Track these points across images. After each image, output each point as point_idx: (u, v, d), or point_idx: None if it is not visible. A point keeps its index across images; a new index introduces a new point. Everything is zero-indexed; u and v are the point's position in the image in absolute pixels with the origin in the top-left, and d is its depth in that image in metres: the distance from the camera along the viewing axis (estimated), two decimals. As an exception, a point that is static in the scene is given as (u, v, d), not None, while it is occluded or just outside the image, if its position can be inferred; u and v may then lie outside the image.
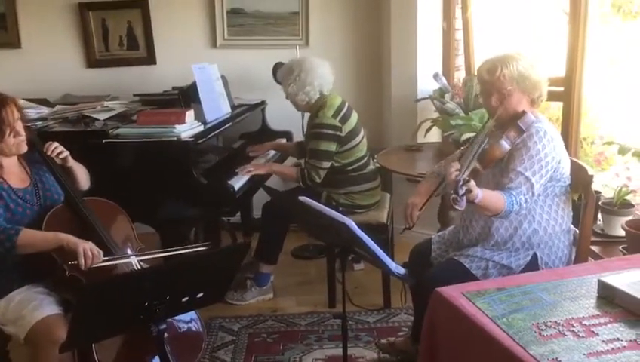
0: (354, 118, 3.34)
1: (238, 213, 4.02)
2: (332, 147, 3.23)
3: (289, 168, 3.49)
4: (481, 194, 2.08)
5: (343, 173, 3.31)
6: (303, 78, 3.25)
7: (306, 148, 3.35)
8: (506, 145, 2.21)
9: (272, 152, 3.80)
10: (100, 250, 2.17)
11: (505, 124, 2.29)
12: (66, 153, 2.42)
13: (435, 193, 2.39)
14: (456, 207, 1.98)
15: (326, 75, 3.32)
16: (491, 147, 2.21)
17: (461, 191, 1.97)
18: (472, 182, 2.05)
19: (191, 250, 2.28)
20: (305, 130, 3.87)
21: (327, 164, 3.25)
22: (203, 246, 2.28)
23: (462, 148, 2.65)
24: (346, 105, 3.34)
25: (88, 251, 2.13)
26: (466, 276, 2.25)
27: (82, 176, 2.50)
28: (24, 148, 2.30)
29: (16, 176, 2.31)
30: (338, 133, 3.22)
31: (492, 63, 2.30)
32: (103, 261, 2.17)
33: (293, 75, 3.27)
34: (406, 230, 2.39)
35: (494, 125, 2.34)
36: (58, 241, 2.15)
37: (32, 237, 2.15)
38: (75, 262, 2.13)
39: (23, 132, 2.28)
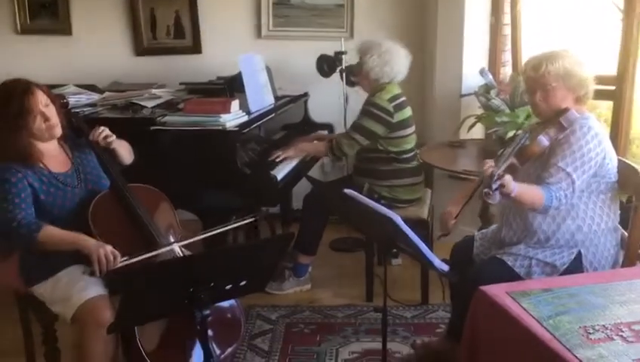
0: (408, 110, 3.33)
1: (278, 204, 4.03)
2: (376, 128, 3.21)
3: (318, 145, 3.49)
4: (516, 188, 2.05)
5: (389, 163, 3.30)
6: (387, 57, 3.26)
7: None
8: (544, 140, 2.17)
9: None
10: (117, 253, 2.12)
11: (548, 120, 2.26)
12: (113, 137, 2.44)
13: (474, 194, 2.34)
14: (489, 200, 1.97)
15: (405, 67, 3.34)
16: (530, 143, 2.18)
17: (494, 186, 1.95)
18: (507, 177, 2.02)
19: (229, 228, 2.27)
20: (346, 122, 3.88)
21: (362, 140, 3.24)
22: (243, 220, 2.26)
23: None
24: (403, 97, 3.34)
25: (102, 257, 2.09)
26: (509, 274, 2.23)
27: (125, 153, 2.52)
28: (58, 132, 2.30)
29: (57, 160, 2.34)
30: (388, 117, 3.21)
31: (537, 60, 2.28)
32: (122, 261, 2.12)
33: (381, 49, 3.27)
34: (443, 236, 2.40)
35: (537, 122, 2.30)
36: (75, 245, 2.14)
37: (51, 236, 2.15)
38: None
39: (54, 116, 2.27)
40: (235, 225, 2.31)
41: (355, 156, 3.42)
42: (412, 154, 3.37)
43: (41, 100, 2.25)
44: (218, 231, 2.29)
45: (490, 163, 2.13)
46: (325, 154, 3.39)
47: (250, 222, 2.28)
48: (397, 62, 3.29)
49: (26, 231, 2.13)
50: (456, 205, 2.38)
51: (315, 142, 3.58)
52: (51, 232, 2.16)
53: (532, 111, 2.40)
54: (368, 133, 3.23)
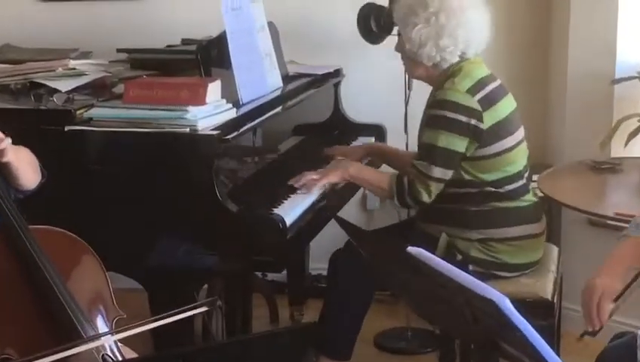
0: (507, 104, 3.32)
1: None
2: (459, 144, 3.20)
3: (378, 173, 3.52)
4: None
5: (481, 201, 3.29)
6: (442, 21, 3.24)
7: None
8: None
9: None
10: None
11: None
12: (6, 143, 2.44)
13: None
14: None
15: (480, 26, 3.33)
16: None
17: None
18: None
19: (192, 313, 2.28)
20: (408, 126, 3.88)
21: (443, 173, 3.22)
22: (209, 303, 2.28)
23: None
24: (497, 82, 3.33)
25: None
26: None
27: (27, 170, 2.53)
28: None
29: None
30: (474, 121, 3.19)
31: None
32: None
33: (428, 11, 3.25)
34: (588, 334, 2.38)
35: None
36: None
37: None
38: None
39: None
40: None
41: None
42: (522, 183, 3.35)
43: None
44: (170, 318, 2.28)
45: None
46: (388, 196, 3.37)
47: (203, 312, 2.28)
48: (467, 22, 3.26)
49: None
50: (613, 276, 2.36)
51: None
52: None
53: None
54: (450, 156, 3.20)
